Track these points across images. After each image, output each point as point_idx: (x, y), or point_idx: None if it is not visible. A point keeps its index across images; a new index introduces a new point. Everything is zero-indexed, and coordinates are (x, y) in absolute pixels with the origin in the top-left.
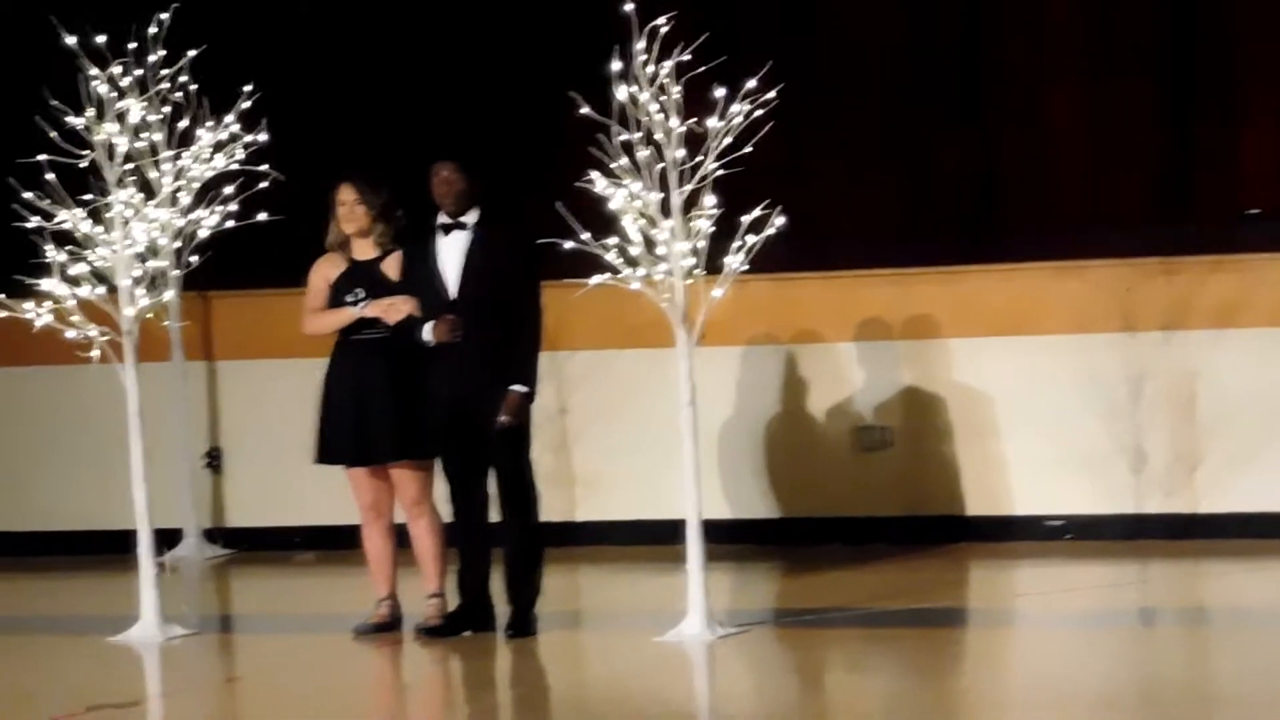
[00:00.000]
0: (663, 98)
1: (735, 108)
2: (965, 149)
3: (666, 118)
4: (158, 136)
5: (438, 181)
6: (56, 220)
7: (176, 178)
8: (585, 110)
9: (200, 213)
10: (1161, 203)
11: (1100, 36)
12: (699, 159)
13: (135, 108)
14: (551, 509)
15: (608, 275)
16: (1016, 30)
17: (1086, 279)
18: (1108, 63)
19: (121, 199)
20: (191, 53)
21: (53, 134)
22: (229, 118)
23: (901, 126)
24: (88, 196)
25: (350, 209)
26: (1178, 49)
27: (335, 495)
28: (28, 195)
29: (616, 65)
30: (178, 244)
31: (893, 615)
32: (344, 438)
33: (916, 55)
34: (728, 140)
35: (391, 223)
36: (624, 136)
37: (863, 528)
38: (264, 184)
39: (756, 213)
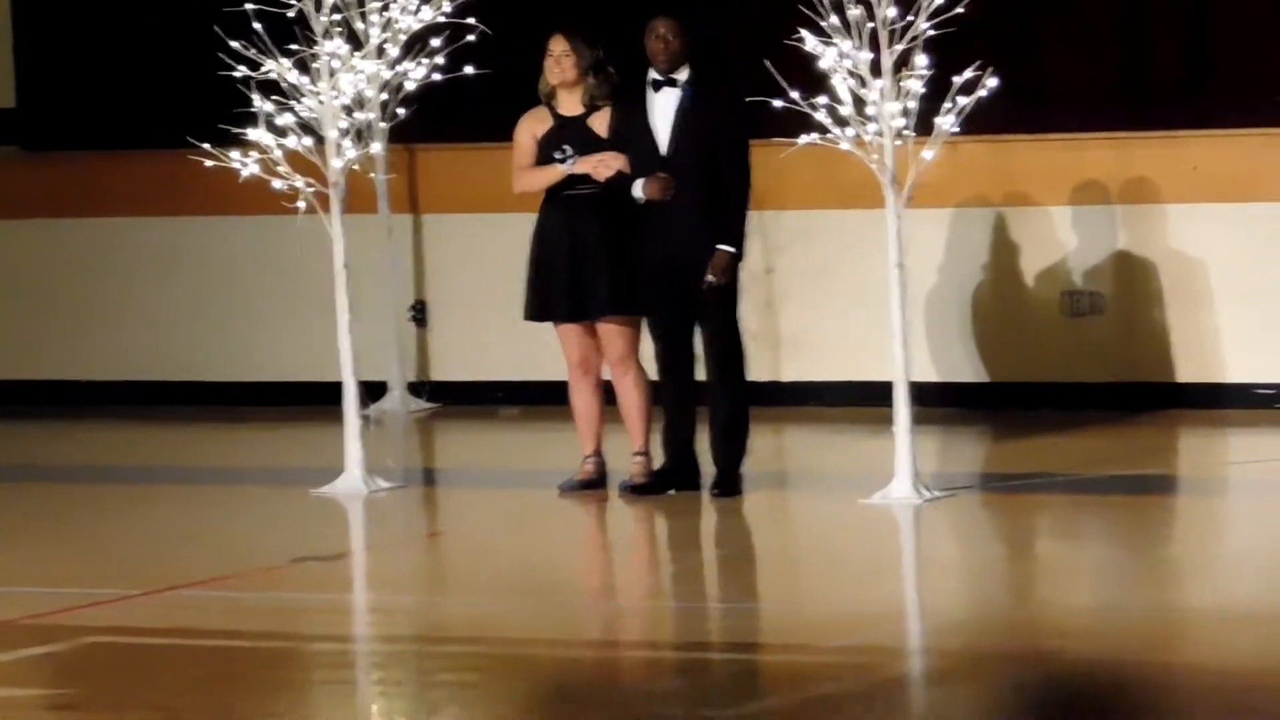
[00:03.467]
0: None
1: None
2: (1185, 9)
3: None
4: None
5: (653, 38)
6: (263, 70)
7: (384, 29)
8: None
9: (407, 65)
10: None
11: None
12: (910, 18)
13: None
14: (758, 369)
15: (817, 135)
16: None
17: None
18: None
19: (328, 50)
20: None
21: None
22: None
23: None
24: (294, 47)
25: (558, 60)
26: None
27: (540, 351)
28: (235, 44)
29: None
30: (384, 96)
31: (1101, 481)
32: (555, 294)
33: None
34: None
35: (601, 78)
36: None
37: (1071, 393)
38: (471, 37)
39: (968, 74)
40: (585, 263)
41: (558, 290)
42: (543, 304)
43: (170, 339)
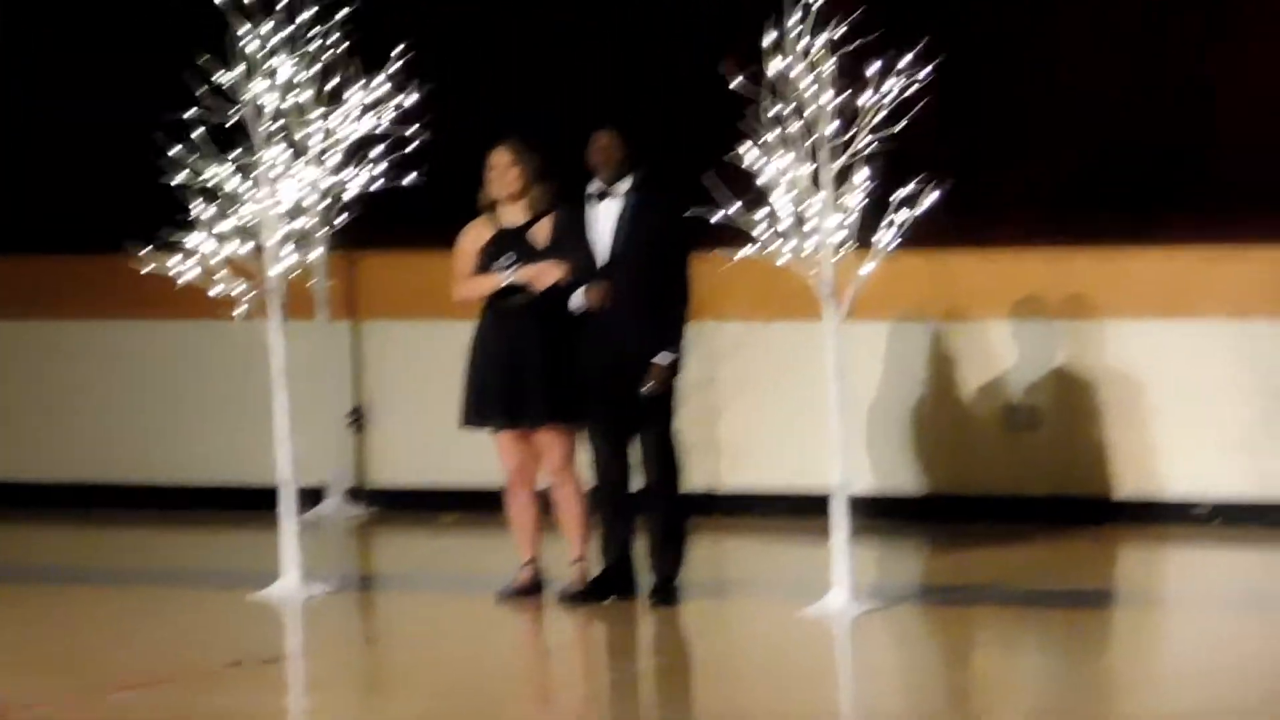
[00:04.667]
0: (816, 71)
1: (890, 83)
2: (1130, 125)
3: (819, 92)
4: (307, 95)
5: (596, 148)
6: (204, 176)
7: (325, 137)
8: (739, 81)
9: (348, 172)
10: None
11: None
12: (852, 133)
13: (285, 65)
14: (697, 478)
15: (757, 248)
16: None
17: (1247, 262)
18: None
19: (269, 157)
20: (343, 11)
21: (202, 90)
22: (379, 78)
23: (1059, 101)
24: (236, 153)
25: (502, 173)
26: None
27: (479, 457)
28: (176, 151)
29: (771, 37)
30: (325, 203)
31: (1039, 595)
32: (493, 400)
33: (1075, 29)
34: (881, 115)
35: (544, 188)
36: (777, 109)
37: (1010, 506)
38: (413, 145)
39: (909, 189)
40: (523, 370)
41: (495, 397)
42: (480, 411)
43: (109, 442)
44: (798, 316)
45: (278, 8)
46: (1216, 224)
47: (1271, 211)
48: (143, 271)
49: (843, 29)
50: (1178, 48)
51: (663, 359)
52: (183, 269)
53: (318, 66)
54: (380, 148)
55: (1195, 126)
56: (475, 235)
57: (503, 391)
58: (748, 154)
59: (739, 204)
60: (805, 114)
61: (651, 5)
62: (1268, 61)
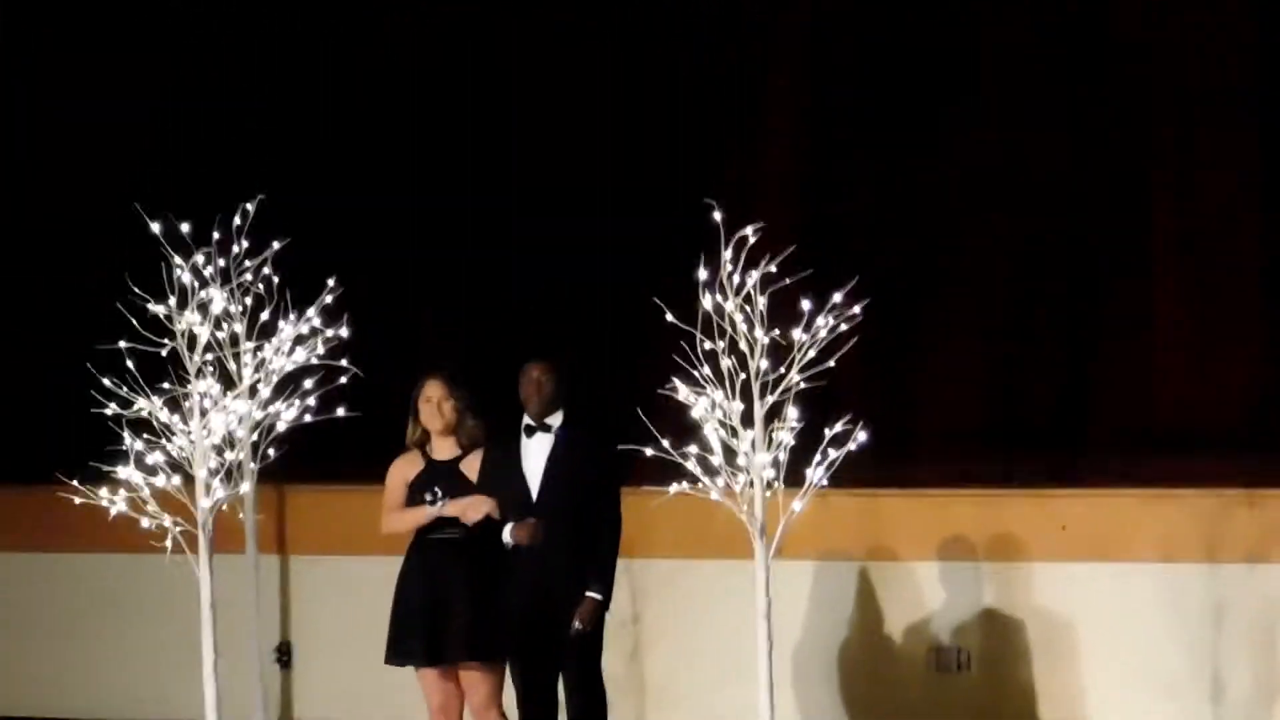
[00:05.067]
0: (747, 308)
1: (820, 321)
2: (1059, 369)
3: (751, 328)
4: (239, 327)
5: (527, 381)
6: (134, 408)
7: (256, 370)
8: (670, 318)
9: (278, 405)
10: (1253, 430)
11: (1203, 266)
12: (782, 370)
13: (217, 298)
14: (622, 718)
15: (687, 484)
16: (1117, 259)
17: (1176, 505)
18: (1213, 292)
19: (200, 389)
20: (276, 245)
21: (133, 321)
22: (310, 311)
23: (990, 345)
24: (166, 385)
25: (437, 405)
26: None
27: (405, 695)
28: (106, 382)
29: (703, 274)
30: (255, 436)
31: None
32: (416, 637)
33: (1011, 274)
34: (812, 353)
35: (475, 421)
36: (708, 345)
37: None
38: (343, 380)
39: (839, 427)
40: (447, 606)
41: (418, 633)
42: (403, 647)
43: (34, 674)
44: (726, 554)
45: (210, 240)
46: (1145, 467)
47: (1199, 455)
48: (73, 502)
49: (773, 266)
50: (1107, 281)
51: (591, 598)
52: (112, 501)
53: (249, 299)
54: (311, 381)
55: (1127, 369)
56: (404, 468)
57: (426, 628)
58: (680, 389)
59: (670, 440)
60: (737, 350)
61: (584, 242)
62: (1193, 308)
